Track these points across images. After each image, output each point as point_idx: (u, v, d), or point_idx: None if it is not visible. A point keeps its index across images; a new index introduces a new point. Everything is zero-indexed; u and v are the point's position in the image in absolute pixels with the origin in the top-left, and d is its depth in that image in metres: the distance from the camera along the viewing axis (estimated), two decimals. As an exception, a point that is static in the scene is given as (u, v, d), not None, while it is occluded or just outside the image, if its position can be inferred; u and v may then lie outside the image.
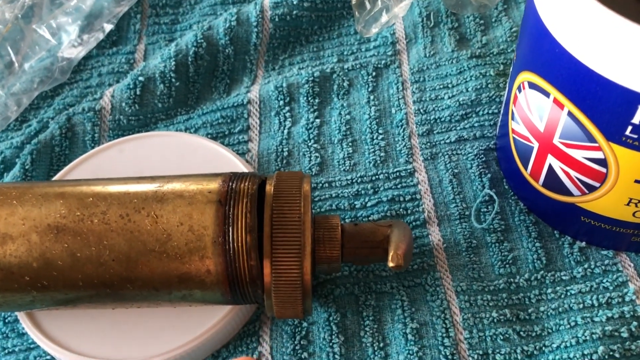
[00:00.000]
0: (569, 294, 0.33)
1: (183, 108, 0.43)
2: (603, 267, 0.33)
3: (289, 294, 0.28)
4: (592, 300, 0.32)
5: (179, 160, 0.37)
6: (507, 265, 0.34)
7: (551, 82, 0.28)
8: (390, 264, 0.28)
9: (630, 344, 0.30)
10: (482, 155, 0.38)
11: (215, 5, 0.48)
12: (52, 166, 0.40)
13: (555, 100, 0.29)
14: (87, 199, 0.29)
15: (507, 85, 0.35)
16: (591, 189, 0.31)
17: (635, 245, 0.33)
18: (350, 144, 0.39)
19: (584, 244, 0.34)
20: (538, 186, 0.34)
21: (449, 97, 0.41)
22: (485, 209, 0.36)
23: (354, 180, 0.38)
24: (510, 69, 0.34)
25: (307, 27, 0.45)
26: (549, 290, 0.33)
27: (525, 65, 0.31)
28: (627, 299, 0.32)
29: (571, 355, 0.30)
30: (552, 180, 0.32)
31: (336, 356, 0.31)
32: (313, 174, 0.38)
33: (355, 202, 0.37)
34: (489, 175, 0.37)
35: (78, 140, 0.41)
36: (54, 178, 0.37)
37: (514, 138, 0.34)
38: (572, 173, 0.31)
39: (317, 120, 0.41)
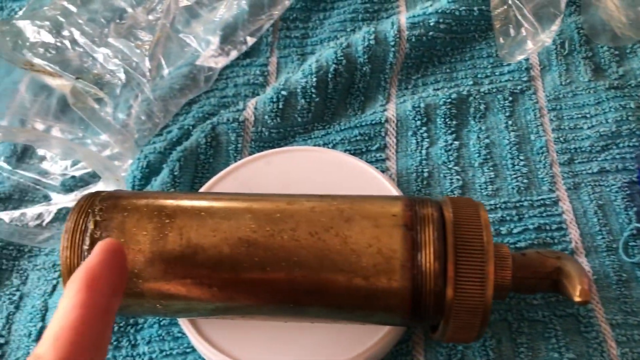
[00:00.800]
0: None
1: (320, 123, 0.43)
2: None
3: (468, 320, 0.28)
4: None
5: (326, 176, 0.38)
6: (659, 302, 0.34)
7: None
8: (578, 299, 0.29)
9: None
10: (626, 188, 0.38)
11: (345, 22, 0.49)
12: (197, 173, 0.41)
13: None
14: (275, 215, 0.29)
15: (666, 121, 0.35)
16: None
17: None
18: (491, 168, 0.40)
19: None
20: (695, 224, 0.34)
21: (588, 127, 0.41)
22: (633, 243, 0.36)
23: (497, 206, 0.38)
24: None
25: (441, 48, 0.46)
26: None
27: None
28: None
29: None
30: None
31: (493, 381, 0.32)
32: (463, 197, 0.39)
33: (501, 228, 0.37)
34: (634, 209, 0.37)
35: (222, 149, 0.42)
36: (205, 186, 0.38)
37: (672, 175, 0.34)
38: None
39: (456, 143, 0.41)
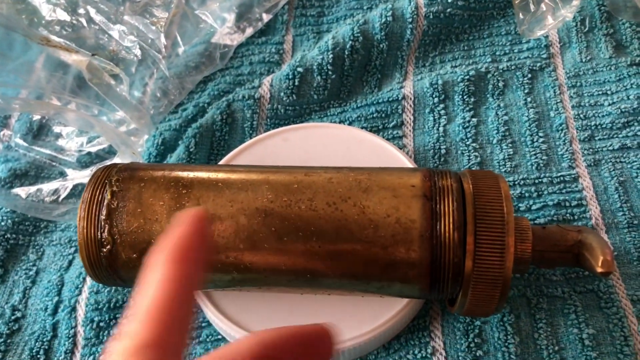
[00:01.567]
0: None
1: (336, 101, 0.43)
2: None
3: (488, 292, 0.28)
4: None
5: (344, 152, 0.38)
6: (681, 278, 0.34)
7: None
8: (600, 270, 0.28)
9: None
10: (648, 165, 0.37)
11: (362, 0, 0.48)
12: (212, 150, 0.41)
13: None
14: (292, 186, 0.29)
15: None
16: None
17: None
18: (509, 145, 0.39)
19: None
20: None
21: (609, 104, 0.40)
22: (654, 220, 0.36)
23: (516, 182, 0.38)
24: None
25: (459, 25, 0.45)
26: None
27: None
28: None
29: None
30: None
31: (512, 356, 0.31)
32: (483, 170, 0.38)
33: (520, 205, 0.37)
34: (656, 186, 0.37)
35: (237, 126, 0.42)
36: (222, 161, 0.38)
37: (696, 150, 0.34)
38: None
39: (474, 120, 0.41)
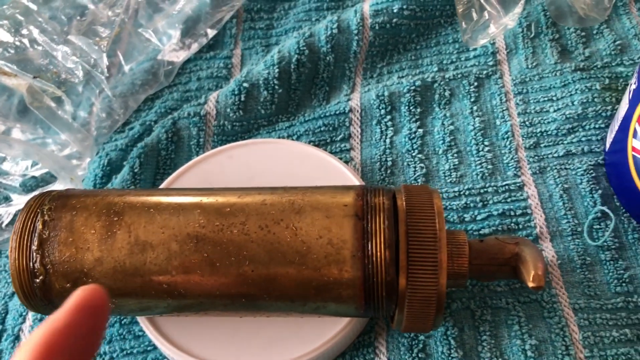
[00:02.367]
0: (690, 315, 0.32)
1: (284, 115, 0.43)
2: None
3: (423, 309, 0.28)
4: None
5: (289, 168, 0.38)
6: (623, 284, 0.34)
7: (695, 104, 0.28)
8: (532, 285, 0.28)
9: None
10: (592, 171, 0.38)
11: (310, 11, 0.48)
12: (159, 169, 0.41)
13: (698, 123, 0.28)
14: (225, 209, 0.29)
15: (627, 102, 0.34)
16: None
17: None
18: (455, 155, 0.39)
19: (702, 264, 0.34)
20: (658, 205, 0.33)
21: (555, 110, 0.40)
22: (597, 226, 0.36)
23: (461, 193, 0.38)
24: (632, 86, 0.34)
25: (406, 35, 0.45)
26: (669, 312, 0.33)
27: (660, 85, 0.30)
28: None
29: (700, 379, 0.30)
30: (678, 201, 0.32)
31: (455, 370, 0.31)
32: (418, 185, 0.38)
33: (465, 215, 0.37)
34: (599, 191, 0.37)
35: (183, 144, 0.41)
36: (166, 181, 0.38)
37: (634, 156, 0.34)
38: None
39: (420, 130, 0.41)
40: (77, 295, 0.20)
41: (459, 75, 0.43)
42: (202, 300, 0.29)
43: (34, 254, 0.29)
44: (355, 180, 0.37)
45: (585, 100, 0.40)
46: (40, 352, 0.18)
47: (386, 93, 0.42)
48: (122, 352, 0.34)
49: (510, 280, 0.34)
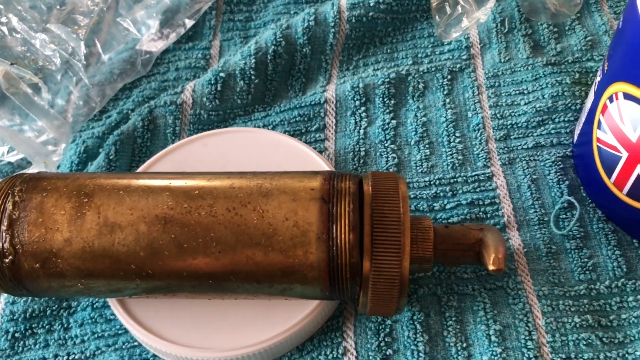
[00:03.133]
0: (650, 303, 0.33)
1: (260, 105, 0.43)
2: (685, 277, 0.34)
3: (386, 291, 0.29)
4: (676, 310, 0.32)
5: (262, 156, 0.38)
6: (587, 272, 0.34)
7: (653, 94, 0.29)
8: (492, 267, 0.29)
9: None
10: (560, 162, 0.38)
11: (289, 4, 0.49)
12: (134, 157, 0.41)
13: (655, 112, 0.29)
14: (194, 192, 0.29)
15: (592, 94, 0.35)
16: (682, 200, 0.31)
17: None
18: (427, 146, 0.40)
19: (664, 254, 0.35)
20: (621, 195, 0.34)
21: (525, 103, 0.41)
22: (564, 216, 0.36)
23: (431, 182, 0.38)
24: (597, 79, 0.35)
25: (382, 28, 0.46)
26: (630, 299, 0.33)
27: (621, 76, 0.31)
28: None
29: (657, 363, 0.31)
30: (639, 190, 0.33)
31: (420, 354, 0.32)
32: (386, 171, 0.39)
33: (434, 204, 0.37)
34: (566, 182, 0.37)
35: (159, 132, 0.42)
36: (140, 168, 0.38)
37: (598, 147, 0.35)
38: (663, 184, 0.31)
39: (393, 122, 0.41)
40: None
41: (433, 69, 0.43)
42: (170, 281, 0.29)
43: (4, 234, 0.29)
44: (327, 168, 0.37)
45: (555, 94, 0.41)
46: None
47: (361, 85, 0.43)
48: (93, 335, 0.35)
49: (477, 267, 0.35)
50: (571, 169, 0.38)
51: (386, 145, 0.40)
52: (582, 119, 0.37)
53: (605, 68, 0.33)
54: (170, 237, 0.28)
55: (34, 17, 0.44)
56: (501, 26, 0.45)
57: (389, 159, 0.40)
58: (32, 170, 0.38)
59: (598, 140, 0.34)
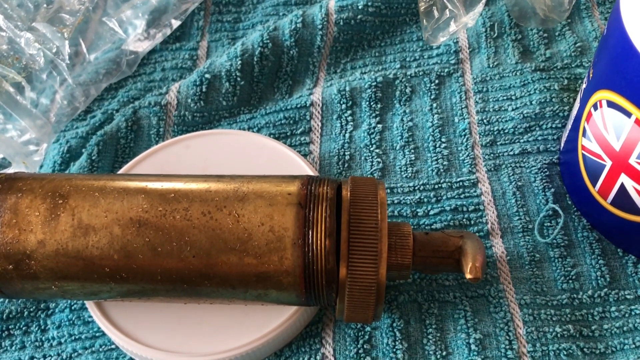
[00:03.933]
0: (633, 313, 0.33)
1: (246, 107, 0.43)
2: (669, 288, 0.33)
3: (363, 298, 0.28)
4: (658, 321, 0.32)
5: (245, 159, 0.38)
6: (570, 281, 0.34)
7: (635, 102, 0.28)
8: (469, 276, 0.29)
9: (698, 367, 0.30)
10: (546, 170, 0.38)
11: (278, 6, 0.48)
12: (117, 158, 0.41)
13: (638, 121, 0.29)
14: (169, 195, 0.29)
15: (578, 101, 0.35)
16: (666, 210, 0.31)
17: (703, 268, 0.33)
18: (412, 151, 0.40)
19: (648, 263, 0.34)
20: (606, 204, 0.34)
21: (513, 109, 0.41)
22: (548, 224, 0.36)
23: (416, 188, 0.38)
24: (583, 85, 0.34)
25: (370, 32, 0.45)
26: (613, 309, 0.33)
27: (605, 84, 0.31)
28: (693, 321, 0.32)
29: (637, 375, 0.30)
30: (623, 199, 0.32)
31: (399, 362, 0.32)
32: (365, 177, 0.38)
33: (418, 210, 0.37)
34: (552, 190, 0.37)
35: (143, 133, 0.41)
36: (122, 170, 0.38)
37: (583, 155, 0.34)
38: (646, 193, 0.31)
39: (379, 126, 0.41)
40: None
41: (421, 73, 0.43)
42: (144, 284, 0.29)
43: (-22, 235, 0.29)
44: (311, 173, 0.37)
45: (543, 100, 0.40)
46: None
47: (348, 88, 0.42)
48: (70, 337, 0.34)
49: (458, 274, 0.35)
50: (557, 176, 0.38)
51: (371, 149, 0.40)
52: (569, 126, 0.37)
53: (591, 75, 0.33)
54: (145, 241, 0.28)
55: (20, 16, 0.44)
56: (491, 31, 0.45)
57: (373, 163, 0.39)
58: (11, 170, 0.37)
59: (583, 148, 0.34)
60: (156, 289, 0.29)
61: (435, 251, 0.31)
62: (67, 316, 0.35)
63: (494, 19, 0.45)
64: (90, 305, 0.33)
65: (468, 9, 0.41)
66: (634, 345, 0.31)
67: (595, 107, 0.32)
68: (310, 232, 0.28)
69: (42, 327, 0.35)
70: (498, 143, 0.40)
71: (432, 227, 0.36)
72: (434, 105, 0.42)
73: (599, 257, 0.35)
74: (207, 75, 0.42)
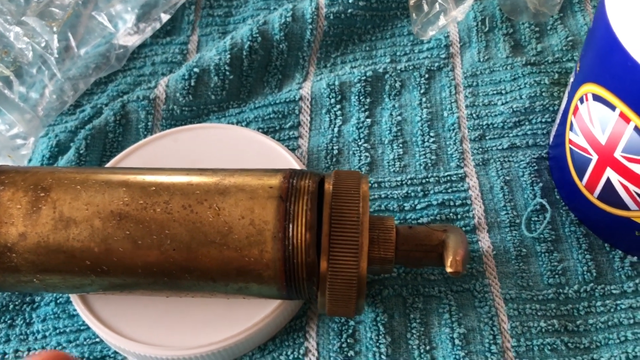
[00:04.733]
0: (619, 308, 0.33)
1: (235, 101, 0.43)
2: (655, 283, 0.33)
3: (344, 292, 0.28)
4: (644, 316, 0.32)
5: (232, 153, 0.38)
6: (556, 276, 0.34)
7: (619, 95, 0.28)
8: (449, 270, 0.28)
9: (682, 362, 0.30)
10: (534, 164, 0.38)
11: (269, 0, 0.48)
12: (105, 152, 0.41)
13: (622, 114, 0.28)
14: (150, 188, 0.29)
15: (567, 95, 0.35)
16: (651, 204, 0.30)
17: (690, 263, 0.33)
18: (400, 145, 0.39)
19: (635, 258, 0.34)
20: (593, 198, 0.33)
21: (502, 104, 0.40)
22: (535, 218, 0.36)
23: (403, 182, 0.38)
24: (571, 79, 0.34)
25: (361, 26, 0.45)
26: (599, 304, 0.33)
27: (591, 77, 0.30)
28: (679, 317, 0.32)
29: (621, 370, 0.30)
30: (609, 194, 0.32)
31: (382, 356, 0.32)
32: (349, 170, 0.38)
33: (405, 204, 0.37)
34: (540, 184, 0.37)
35: (131, 127, 0.41)
36: (109, 163, 0.38)
37: (570, 149, 0.34)
38: (632, 187, 0.30)
39: (368, 120, 0.41)
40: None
41: (411, 67, 0.43)
42: (125, 278, 0.29)
43: (-41, 227, 0.29)
44: (297, 167, 0.37)
45: (533, 94, 0.40)
46: None
47: (337, 82, 0.42)
48: (55, 330, 0.34)
49: (443, 268, 0.34)
50: (546, 170, 0.38)
51: (360, 144, 0.40)
52: (557, 120, 0.37)
53: (578, 68, 0.33)
54: (125, 234, 0.28)
55: (10, 10, 0.44)
56: (482, 25, 0.44)
57: (361, 157, 0.39)
58: (-2, 163, 0.37)
59: (570, 141, 0.34)
60: (137, 282, 0.29)
61: (418, 245, 0.30)
62: (53, 310, 0.35)
63: (485, 13, 0.45)
64: (74, 298, 0.33)
65: (458, 3, 0.41)
66: (618, 340, 0.31)
67: (581, 100, 0.32)
68: (290, 226, 0.28)
69: (27, 321, 0.35)
70: (487, 137, 0.39)
71: (419, 221, 0.36)
72: (424, 99, 0.41)
73: (585, 252, 0.34)
74: (195, 70, 0.42)
